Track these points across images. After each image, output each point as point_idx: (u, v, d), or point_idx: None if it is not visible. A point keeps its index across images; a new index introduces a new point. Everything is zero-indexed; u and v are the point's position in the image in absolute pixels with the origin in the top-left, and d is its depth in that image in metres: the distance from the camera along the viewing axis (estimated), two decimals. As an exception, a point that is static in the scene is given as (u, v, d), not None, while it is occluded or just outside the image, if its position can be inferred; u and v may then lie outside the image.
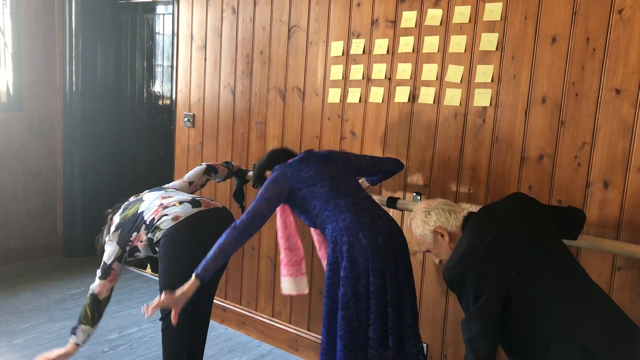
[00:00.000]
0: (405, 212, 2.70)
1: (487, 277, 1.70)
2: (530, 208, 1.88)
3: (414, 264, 2.69)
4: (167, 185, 2.74)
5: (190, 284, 2.10)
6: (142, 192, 2.65)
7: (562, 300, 1.64)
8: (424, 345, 2.68)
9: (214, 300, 3.52)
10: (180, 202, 2.47)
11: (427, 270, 2.67)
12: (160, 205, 2.46)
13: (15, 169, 4.40)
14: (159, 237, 2.39)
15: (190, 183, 2.77)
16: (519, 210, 1.85)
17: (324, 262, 2.45)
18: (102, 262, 2.50)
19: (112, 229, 2.52)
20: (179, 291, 2.09)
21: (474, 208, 2.48)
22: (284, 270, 2.48)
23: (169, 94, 4.17)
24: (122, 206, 2.60)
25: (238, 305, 3.48)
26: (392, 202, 2.64)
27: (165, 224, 2.39)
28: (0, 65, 4.26)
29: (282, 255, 2.48)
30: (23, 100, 4.37)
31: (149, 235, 2.42)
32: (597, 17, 2.14)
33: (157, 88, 4.34)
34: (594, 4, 2.14)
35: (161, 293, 2.39)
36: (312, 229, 2.50)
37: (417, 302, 2.29)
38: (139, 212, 2.49)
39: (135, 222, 2.47)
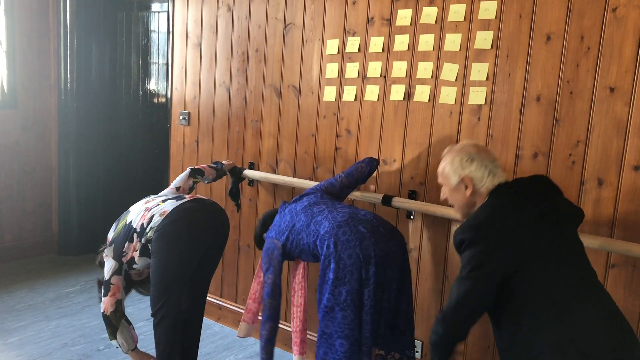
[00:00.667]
0: (401, 209, 2.70)
1: (494, 255, 1.67)
2: (557, 199, 1.85)
3: (410, 261, 2.70)
4: (155, 195, 2.75)
5: None
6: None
7: (563, 303, 1.63)
8: (420, 342, 2.69)
9: (210, 299, 3.53)
10: (164, 200, 2.52)
11: (422, 268, 2.68)
12: (145, 210, 2.51)
13: (10, 167, 4.38)
14: (151, 235, 2.41)
15: (178, 188, 2.79)
16: (547, 198, 1.81)
17: (294, 309, 2.52)
18: (103, 280, 2.56)
19: (107, 245, 2.57)
20: None
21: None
22: (246, 316, 2.67)
23: (164, 92, 4.16)
24: (114, 224, 2.63)
25: (234, 304, 3.48)
26: (387, 200, 2.64)
27: (154, 223, 2.43)
28: (-5, 63, 4.25)
29: (251, 305, 2.65)
30: (18, 98, 4.35)
31: (142, 240, 2.45)
32: (592, 15, 2.14)
33: (152, 86, 4.33)
34: (589, 3, 2.14)
35: (153, 288, 2.45)
36: (293, 276, 2.55)
37: (412, 309, 2.31)
38: (127, 222, 2.53)
39: (127, 233, 2.51)
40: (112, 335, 2.54)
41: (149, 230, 2.43)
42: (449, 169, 1.86)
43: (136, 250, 2.48)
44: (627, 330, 1.66)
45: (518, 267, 1.66)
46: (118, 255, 2.51)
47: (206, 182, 2.97)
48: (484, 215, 1.74)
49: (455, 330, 1.75)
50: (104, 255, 2.57)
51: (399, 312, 2.25)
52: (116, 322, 2.52)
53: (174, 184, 2.82)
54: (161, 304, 2.45)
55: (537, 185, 1.85)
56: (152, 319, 2.51)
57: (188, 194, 2.82)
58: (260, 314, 2.55)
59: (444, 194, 1.94)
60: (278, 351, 3.20)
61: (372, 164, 2.65)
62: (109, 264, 2.53)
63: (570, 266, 1.71)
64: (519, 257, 1.67)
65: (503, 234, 1.69)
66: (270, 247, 2.40)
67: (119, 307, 2.53)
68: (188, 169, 2.87)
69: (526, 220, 1.72)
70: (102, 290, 2.55)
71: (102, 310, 2.54)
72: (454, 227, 2.55)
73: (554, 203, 1.82)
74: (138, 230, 2.47)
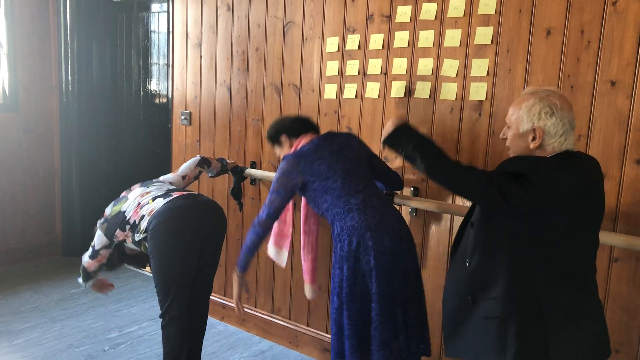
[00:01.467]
0: (404, 206, 2.70)
1: (545, 190, 1.60)
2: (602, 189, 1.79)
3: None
4: (160, 178, 2.77)
5: (236, 281, 2.39)
6: (133, 185, 2.71)
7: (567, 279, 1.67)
8: (424, 339, 2.70)
9: (214, 298, 3.54)
10: (154, 199, 2.51)
11: (425, 264, 2.68)
12: (137, 206, 2.52)
13: (13, 169, 4.39)
14: (143, 236, 2.45)
15: (184, 177, 2.79)
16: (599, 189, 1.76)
17: (303, 237, 2.53)
18: (92, 244, 2.63)
19: (102, 219, 2.62)
20: (234, 293, 2.42)
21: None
22: (272, 238, 2.68)
23: (165, 92, 4.16)
24: (113, 202, 2.68)
25: (238, 302, 3.48)
26: (389, 196, 2.64)
27: (145, 223, 2.45)
28: (-4, 66, 4.26)
29: (275, 226, 2.61)
30: (19, 100, 4.36)
31: (135, 236, 2.49)
32: (592, 9, 2.14)
33: (153, 86, 4.33)
34: (588, -4, 2.14)
35: (157, 289, 2.46)
36: (303, 203, 2.54)
37: (424, 302, 2.32)
38: (122, 210, 2.55)
39: (118, 220, 2.54)
40: (84, 280, 2.74)
41: (140, 232, 2.46)
42: (524, 114, 1.68)
43: (127, 237, 2.53)
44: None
45: (557, 227, 1.63)
46: (110, 235, 2.57)
47: (210, 175, 2.98)
48: (550, 168, 1.64)
49: None
50: (99, 226, 2.63)
51: (407, 324, 2.26)
52: (93, 275, 2.71)
53: (180, 170, 2.83)
54: (168, 305, 2.47)
55: (594, 172, 1.77)
56: (160, 319, 2.53)
57: (191, 182, 2.88)
58: (288, 241, 2.65)
59: (505, 134, 1.78)
60: (280, 349, 3.21)
61: (400, 187, 2.67)
62: (100, 239, 2.60)
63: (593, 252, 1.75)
64: (566, 219, 1.64)
65: (564, 194, 1.63)
66: (291, 173, 2.27)
67: (100, 268, 2.67)
68: (198, 157, 2.90)
69: (579, 193, 1.66)
70: (90, 252, 2.64)
71: (84, 265, 2.66)
72: (457, 223, 2.55)
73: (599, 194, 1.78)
74: (131, 224, 2.50)
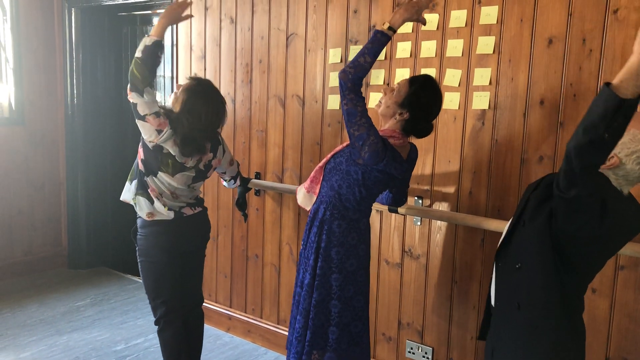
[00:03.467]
0: (407, 216, 2.70)
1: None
2: None
3: (418, 267, 2.70)
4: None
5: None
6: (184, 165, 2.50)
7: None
8: (430, 349, 2.69)
9: (219, 309, 3.54)
10: (169, 209, 2.48)
11: (430, 274, 2.68)
12: (151, 190, 2.45)
13: (19, 182, 4.42)
14: (138, 216, 2.48)
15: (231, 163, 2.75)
16: None
17: (306, 190, 2.34)
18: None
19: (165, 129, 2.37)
20: None
21: (475, 212, 2.49)
22: (307, 183, 2.36)
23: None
24: (171, 138, 2.39)
25: (243, 313, 3.48)
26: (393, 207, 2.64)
27: (144, 208, 2.44)
28: (2, 80, 4.29)
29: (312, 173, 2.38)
30: (25, 114, 4.39)
31: (139, 187, 2.46)
32: (593, 18, 2.15)
33: (158, 99, 4.36)
34: (589, 5, 2.15)
35: (147, 295, 2.55)
36: (317, 171, 2.33)
37: None
38: (143, 171, 2.44)
39: (143, 172, 2.45)
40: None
41: (141, 201, 2.46)
42: (626, 139, 1.55)
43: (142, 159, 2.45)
44: None
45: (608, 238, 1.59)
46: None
47: (228, 185, 2.90)
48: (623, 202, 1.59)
49: None
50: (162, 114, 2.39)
51: None
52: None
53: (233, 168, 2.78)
54: (158, 309, 2.52)
55: None
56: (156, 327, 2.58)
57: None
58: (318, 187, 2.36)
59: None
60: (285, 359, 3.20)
61: (403, 202, 2.61)
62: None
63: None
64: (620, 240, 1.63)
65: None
66: (384, 150, 2.10)
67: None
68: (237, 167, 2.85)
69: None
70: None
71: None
72: (461, 232, 2.55)
73: None
74: (140, 184, 2.45)
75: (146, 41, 2.34)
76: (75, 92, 4.47)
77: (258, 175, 3.28)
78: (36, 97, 4.45)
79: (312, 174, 2.33)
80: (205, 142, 2.46)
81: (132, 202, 2.49)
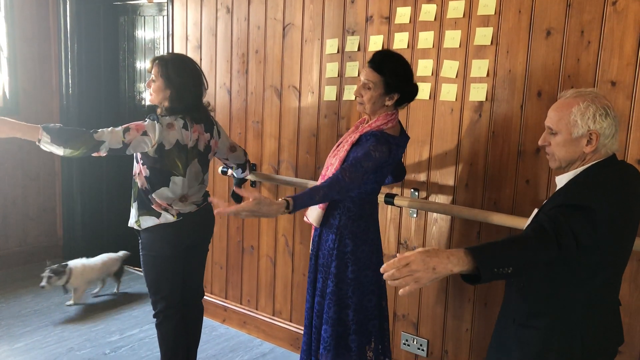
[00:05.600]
0: (403, 208, 2.69)
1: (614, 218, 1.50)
2: None
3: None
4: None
5: (278, 207, 1.97)
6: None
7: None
8: (425, 341, 2.69)
9: (215, 300, 3.53)
10: (178, 215, 2.46)
11: (426, 266, 2.67)
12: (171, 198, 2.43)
13: (14, 173, 4.40)
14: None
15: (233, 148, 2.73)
16: None
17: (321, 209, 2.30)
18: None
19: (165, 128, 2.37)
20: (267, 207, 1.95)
21: (472, 204, 2.48)
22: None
23: (165, 95, 4.16)
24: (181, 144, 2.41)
25: (239, 305, 3.48)
26: (390, 198, 2.63)
27: (149, 222, 2.42)
28: (-4, 70, 4.26)
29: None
30: (20, 103, 4.36)
31: (140, 208, 2.43)
32: (591, 9, 2.13)
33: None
34: (588, -4, 2.14)
35: (148, 289, 2.52)
36: (323, 173, 2.30)
37: None
38: (148, 188, 2.41)
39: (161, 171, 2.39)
40: (72, 148, 2.30)
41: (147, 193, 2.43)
42: (577, 118, 1.55)
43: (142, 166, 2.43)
44: None
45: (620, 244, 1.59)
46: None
47: (235, 170, 2.87)
48: (605, 182, 1.55)
49: None
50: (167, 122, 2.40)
51: None
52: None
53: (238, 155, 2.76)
54: (158, 304, 2.52)
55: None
56: (155, 320, 2.56)
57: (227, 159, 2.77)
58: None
59: (547, 140, 1.64)
60: (281, 351, 3.20)
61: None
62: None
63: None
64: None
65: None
66: (384, 151, 2.14)
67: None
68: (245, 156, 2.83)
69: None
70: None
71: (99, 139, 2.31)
72: (457, 224, 2.55)
73: None
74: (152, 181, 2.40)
75: (45, 142, 2.30)
76: (70, 81, 4.44)
77: (254, 167, 3.26)
78: (31, 86, 4.41)
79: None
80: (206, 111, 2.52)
81: (135, 226, 2.47)
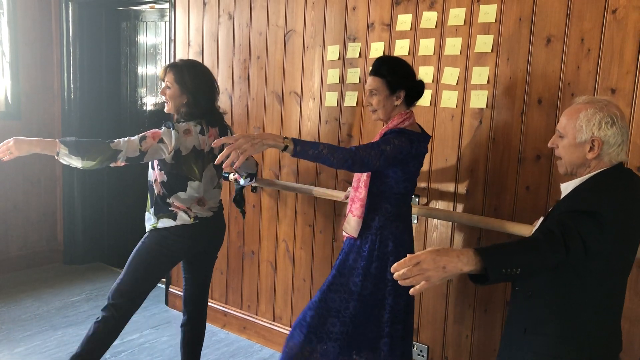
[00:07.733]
0: (404, 214, 2.70)
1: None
2: None
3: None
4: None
5: (276, 141, 1.90)
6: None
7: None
8: (426, 347, 2.69)
9: (215, 305, 3.53)
10: (195, 218, 2.45)
11: (426, 272, 2.67)
12: (182, 200, 2.43)
13: (15, 177, 4.40)
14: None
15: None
16: None
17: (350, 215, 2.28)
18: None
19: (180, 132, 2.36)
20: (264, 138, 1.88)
21: (472, 210, 2.49)
22: (358, 210, 2.27)
23: (167, 100, 4.17)
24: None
25: (239, 310, 3.48)
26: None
27: (167, 223, 2.41)
28: (-1, 74, 4.28)
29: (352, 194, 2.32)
30: (21, 108, 4.37)
31: (157, 212, 2.43)
32: (592, 17, 2.14)
33: (155, 94, 4.35)
34: (588, 5, 2.15)
35: (124, 276, 2.40)
36: (355, 185, 2.29)
37: None
38: (165, 192, 2.42)
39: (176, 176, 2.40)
40: (89, 159, 2.25)
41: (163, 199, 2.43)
42: (582, 124, 1.59)
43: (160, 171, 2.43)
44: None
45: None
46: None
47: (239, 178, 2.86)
48: (611, 188, 1.58)
49: None
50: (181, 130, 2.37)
51: None
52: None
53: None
54: (123, 298, 2.39)
55: None
56: (100, 310, 2.42)
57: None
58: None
59: (555, 143, 1.68)
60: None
61: None
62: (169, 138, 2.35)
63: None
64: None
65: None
66: (405, 146, 2.12)
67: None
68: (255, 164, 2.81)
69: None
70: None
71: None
72: (458, 231, 2.55)
73: None
74: (166, 188, 2.42)
75: (64, 154, 2.26)
76: (72, 86, 4.45)
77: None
78: (33, 91, 4.43)
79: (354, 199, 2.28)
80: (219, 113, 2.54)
81: (151, 228, 2.45)
